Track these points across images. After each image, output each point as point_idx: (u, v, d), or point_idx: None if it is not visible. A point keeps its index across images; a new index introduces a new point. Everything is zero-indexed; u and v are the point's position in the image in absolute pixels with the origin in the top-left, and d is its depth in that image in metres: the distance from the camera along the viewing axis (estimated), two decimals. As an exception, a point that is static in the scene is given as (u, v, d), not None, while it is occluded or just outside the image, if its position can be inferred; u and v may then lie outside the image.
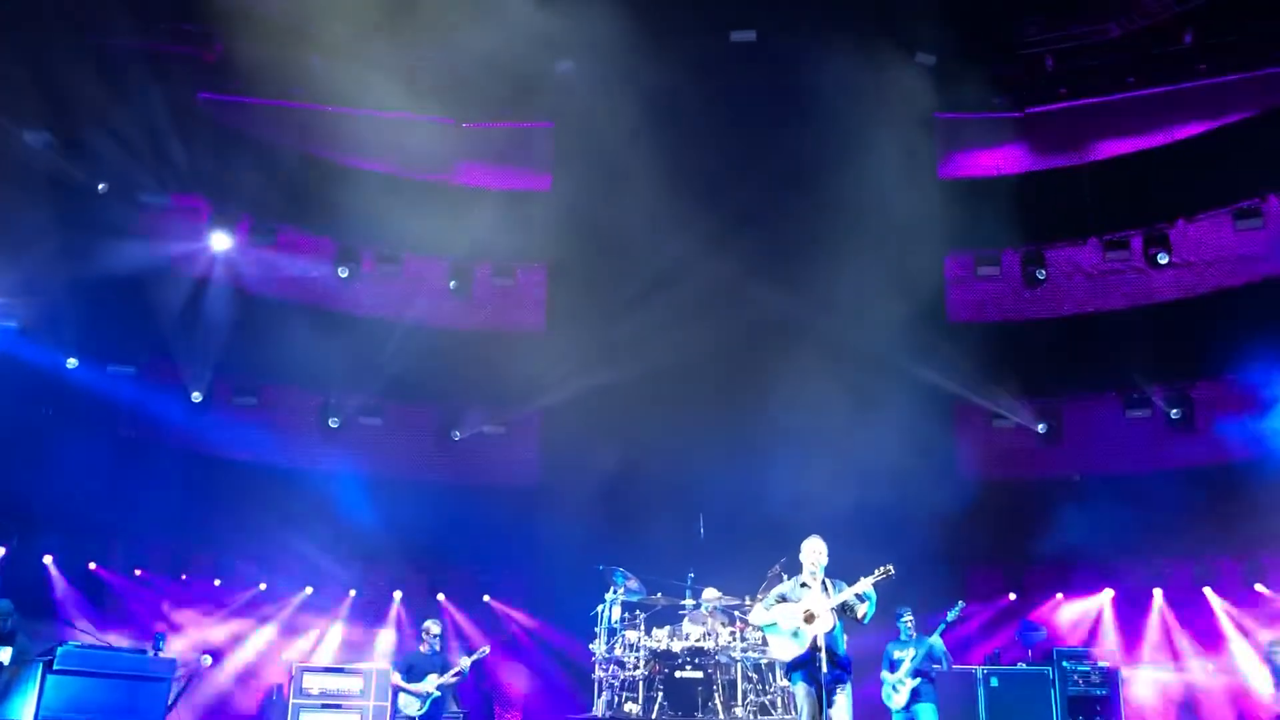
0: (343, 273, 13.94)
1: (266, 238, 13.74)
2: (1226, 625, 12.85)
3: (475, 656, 11.71)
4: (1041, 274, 14.15)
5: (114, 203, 12.51)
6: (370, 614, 13.96)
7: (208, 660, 12.76)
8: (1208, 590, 13.10)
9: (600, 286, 13.72)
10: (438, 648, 11.48)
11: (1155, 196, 13.81)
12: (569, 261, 14.37)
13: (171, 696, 10.90)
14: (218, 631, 13.18)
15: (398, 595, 14.05)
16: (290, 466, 13.74)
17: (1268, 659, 10.74)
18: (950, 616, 10.29)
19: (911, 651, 10.05)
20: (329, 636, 13.69)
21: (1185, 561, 13.25)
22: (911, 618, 10.35)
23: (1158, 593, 13.34)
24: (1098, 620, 13.46)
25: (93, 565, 12.72)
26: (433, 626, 11.62)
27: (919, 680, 9.98)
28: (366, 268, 14.21)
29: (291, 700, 12.05)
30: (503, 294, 14.74)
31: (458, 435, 14.56)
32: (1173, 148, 13.92)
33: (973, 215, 13.56)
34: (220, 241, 13.26)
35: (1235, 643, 12.66)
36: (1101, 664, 11.48)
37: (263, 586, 13.64)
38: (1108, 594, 13.49)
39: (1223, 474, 12.28)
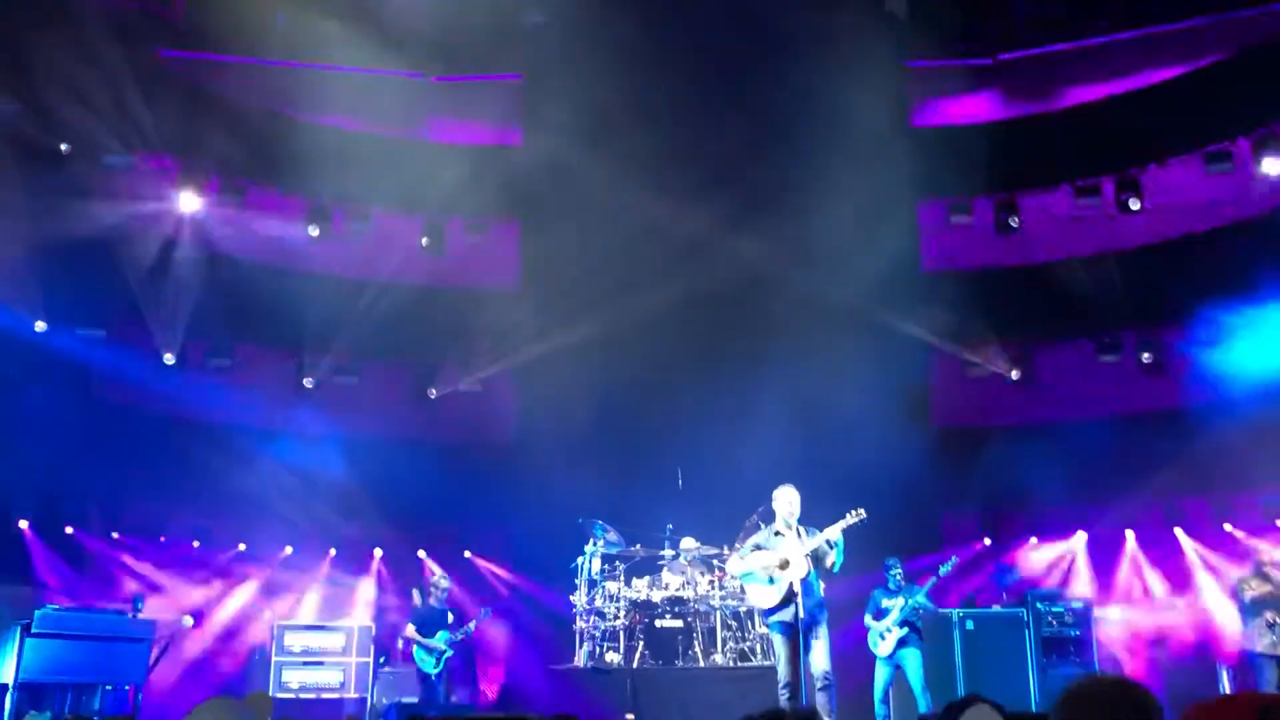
0: (313, 231, 13.80)
1: (235, 197, 13.56)
2: (1196, 565, 13.08)
3: (479, 618, 11.99)
4: (1014, 221, 14.15)
5: (78, 164, 12.33)
6: (351, 572, 14.00)
7: (189, 621, 12.82)
8: (1178, 531, 13.32)
9: (574, 241, 13.66)
10: (445, 601, 11.72)
11: (1126, 142, 13.81)
12: (542, 217, 14.30)
13: (153, 657, 10.95)
14: (198, 593, 13.20)
15: (378, 553, 14.11)
16: (266, 427, 13.73)
17: (1235, 596, 10.91)
18: (942, 571, 10.44)
19: (900, 601, 10.18)
20: (310, 595, 13.73)
21: (1156, 503, 13.45)
22: (900, 569, 10.49)
23: (1129, 534, 13.55)
24: (1071, 562, 13.67)
25: (69, 529, 12.69)
26: (441, 580, 11.90)
27: (906, 629, 10.12)
28: (337, 226, 14.07)
29: (274, 658, 12.14)
30: (475, 250, 14.65)
31: (434, 393, 14.55)
32: (1144, 92, 13.91)
33: (945, 163, 13.57)
34: (188, 202, 13.10)
35: (1204, 581, 12.90)
36: (1075, 605, 11.67)
37: (242, 547, 13.65)
38: (1080, 536, 13.69)
39: (1192, 416, 12.43)
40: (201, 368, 13.69)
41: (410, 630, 11.48)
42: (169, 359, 13.22)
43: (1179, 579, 13.15)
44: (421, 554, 14.22)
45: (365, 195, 13.92)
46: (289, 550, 13.81)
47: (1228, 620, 11.81)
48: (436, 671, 11.34)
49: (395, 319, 13.83)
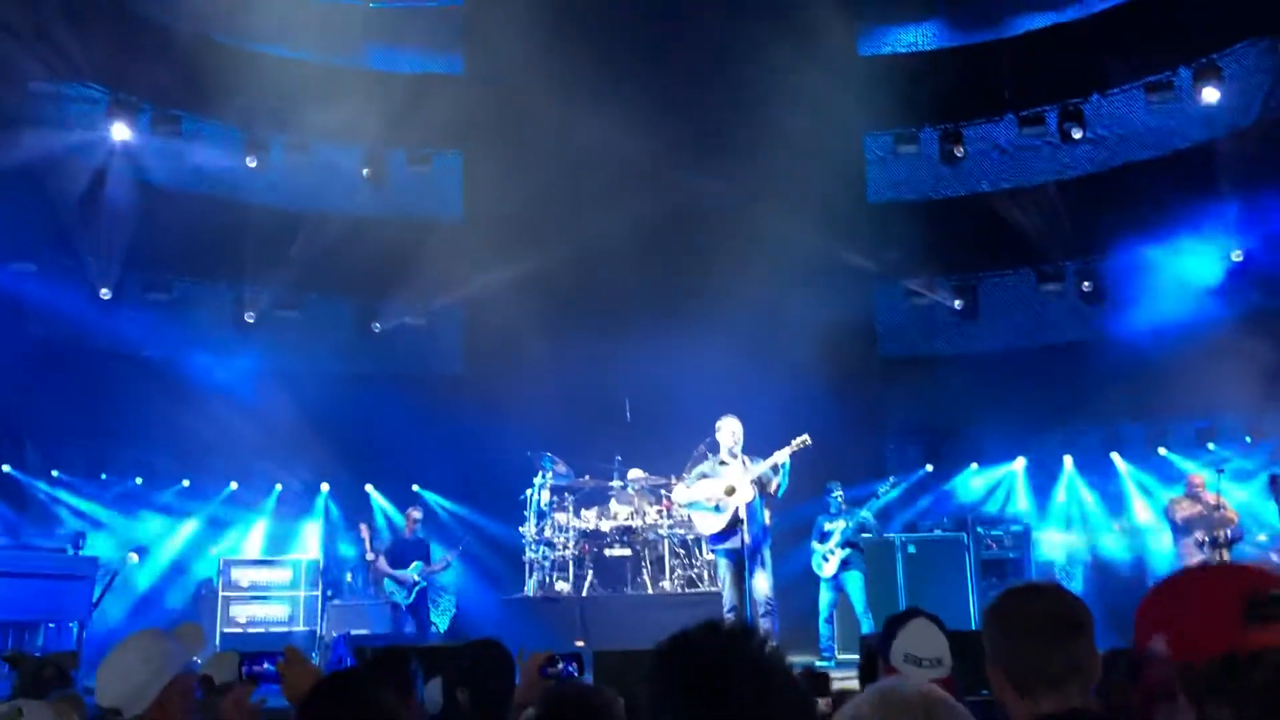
0: (251, 162, 13.49)
1: (170, 127, 13.20)
2: (1131, 488, 13.44)
3: (456, 551, 12.06)
4: (959, 152, 14.21)
5: (4, 92, 11.91)
6: (297, 507, 13.94)
7: (134, 558, 12.70)
8: (1115, 455, 13.64)
9: (518, 172, 13.46)
10: (419, 535, 11.81)
11: (1070, 72, 13.87)
12: (486, 147, 14.10)
13: (97, 594, 10.87)
14: (142, 529, 13.07)
15: (325, 487, 14.04)
16: (208, 362, 13.49)
17: (1168, 517, 11.24)
18: (882, 491, 10.61)
19: (842, 524, 10.34)
20: (256, 530, 13.66)
21: (1094, 429, 13.75)
22: (841, 492, 10.64)
23: (1068, 459, 13.85)
24: (1011, 487, 13.97)
25: (7, 468, 12.47)
26: (414, 513, 11.97)
27: (848, 550, 10.30)
28: (276, 157, 13.77)
29: (220, 593, 12.09)
30: (419, 181, 14.43)
31: (379, 327, 14.41)
32: (1088, 22, 13.94)
33: (892, 93, 13.54)
34: (120, 131, 12.72)
35: (1139, 504, 13.26)
36: (1013, 528, 11.94)
37: (186, 483, 13.51)
38: (1020, 462, 13.98)
39: (1130, 343, 12.64)
40: (139, 302, 13.41)
41: (381, 563, 11.55)
42: (105, 293, 12.93)
43: (1115, 502, 13.50)
44: (369, 488, 14.17)
45: (304, 125, 13.60)
46: (234, 486, 13.70)
47: (1160, 541, 12.18)
48: (408, 603, 11.43)
49: (338, 252, 13.60)
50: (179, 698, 2.89)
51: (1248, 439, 12.85)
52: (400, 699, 3.22)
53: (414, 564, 11.50)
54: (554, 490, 11.98)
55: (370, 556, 11.94)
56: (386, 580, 11.50)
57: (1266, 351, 11.53)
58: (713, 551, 9.18)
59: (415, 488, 14.23)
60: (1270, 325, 11.93)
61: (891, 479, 11.24)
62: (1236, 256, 12.93)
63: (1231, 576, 1.53)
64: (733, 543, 8.35)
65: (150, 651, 2.93)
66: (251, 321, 13.89)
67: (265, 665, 2.94)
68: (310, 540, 13.68)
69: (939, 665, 2.68)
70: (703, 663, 1.32)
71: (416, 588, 11.47)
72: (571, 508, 11.81)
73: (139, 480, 13.31)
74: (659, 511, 11.59)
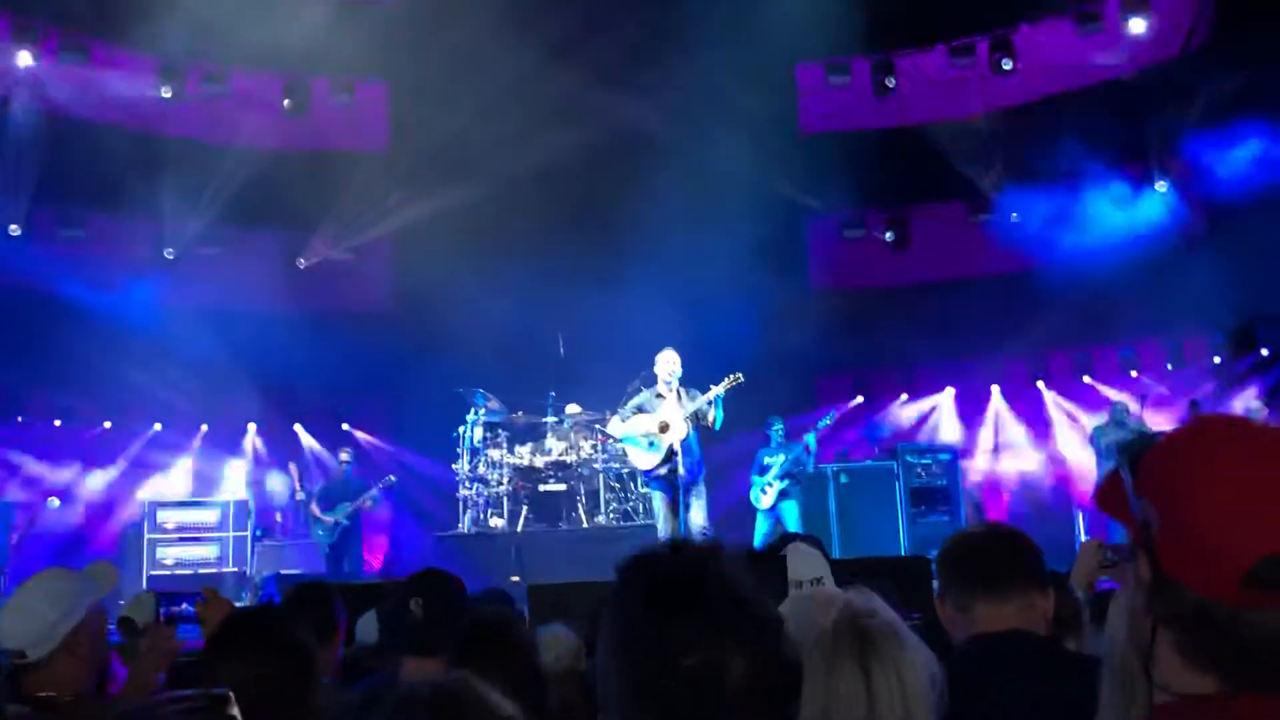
0: (165, 92, 13.00)
1: (78, 55, 12.65)
2: (1057, 416, 13.72)
3: (382, 485, 11.91)
4: (891, 82, 14.17)
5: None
6: (224, 447, 13.67)
7: (55, 502, 12.41)
8: (1040, 384, 13.90)
9: (445, 101, 13.11)
10: (350, 474, 11.81)
11: (1000, 2, 13.85)
12: (411, 75, 13.70)
13: (13, 539, 10.60)
14: (63, 473, 12.75)
15: (252, 428, 13.79)
16: (127, 300, 13.07)
17: (1092, 443, 11.51)
18: (822, 424, 10.71)
19: (781, 457, 10.44)
20: (182, 471, 13.40)
21: (1021, 359, 13.97)
22: (782, 426, 10.72)
23: (995, 389, 14.08)
24: (940, 417, 14.18)
25: (-83, 413, 12.07)
26: (343, 454, 11.94)
27: (786, 482, 10.39)
28: (191, 87, 13.28)
29: (147, 536, 11.86)
30: (343, 112, 14.02)
31: (303, 263, 14.08)
32: (1018, -48, 13.90)
33: (823, 21, 13.39)
34: (24, 59, 12.16)
35: (1064, 431, 13.55)
36: (942, 457, 12.11)
37: (108, 425, 13.18)
38: (949, 392, 14.19)
39: (1056, 274, 12.80)
40: (52, 238, 12.94)
41: (314, 509, 11.56)
42: (14, 230, 12.45)
43: (1041, 430, 13.78)
44: (297, 427, 13.95)
45: (221, 53, 13.11)
46: (158, 427, 13.39)
47: (1085, 467, 12.47)
48: (331, 542, 11.43)
49: (259, 186, 13.19)
50: (88, 639, 2.75)
51: (1169, 366, 13.15)
52: (322, 634, 3.15)
53: (340, 505, 11.45)
54: (487, 427, 11.90)
55: (301, 496, 11.83)
56: (314, 523, 11.50)
57: (1186, 281, 11.76)
58: (648, 485, 9.19)
59: (345, 426, 14.04)
60: (1191, 255, 12.15)
61: (832, 412, 11.34)
62: (1160, 187, 13.12)
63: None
64: (667, 476, 8.36)
65: (57, 591, 2.77)
66: (171, 258, 13.48)
67: (184, 606, 2.84)
68: (238, 481, 13.44)
69: (821, 583, 2.76)
70: (672, 575, 1.26)
71: (339, 528, 11.42)
72: (505, 444, 11.75)
73: (58, 422, 12.95)
74: (594, 446, 11.58)
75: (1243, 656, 1.11)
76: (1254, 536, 1.08)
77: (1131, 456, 1.22)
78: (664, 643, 1.21)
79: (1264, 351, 12.51)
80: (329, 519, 11.49)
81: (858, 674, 1.46)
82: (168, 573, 11.58)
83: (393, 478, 12.26)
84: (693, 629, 1.21)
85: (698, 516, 8.34)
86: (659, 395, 8.57)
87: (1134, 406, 11.31)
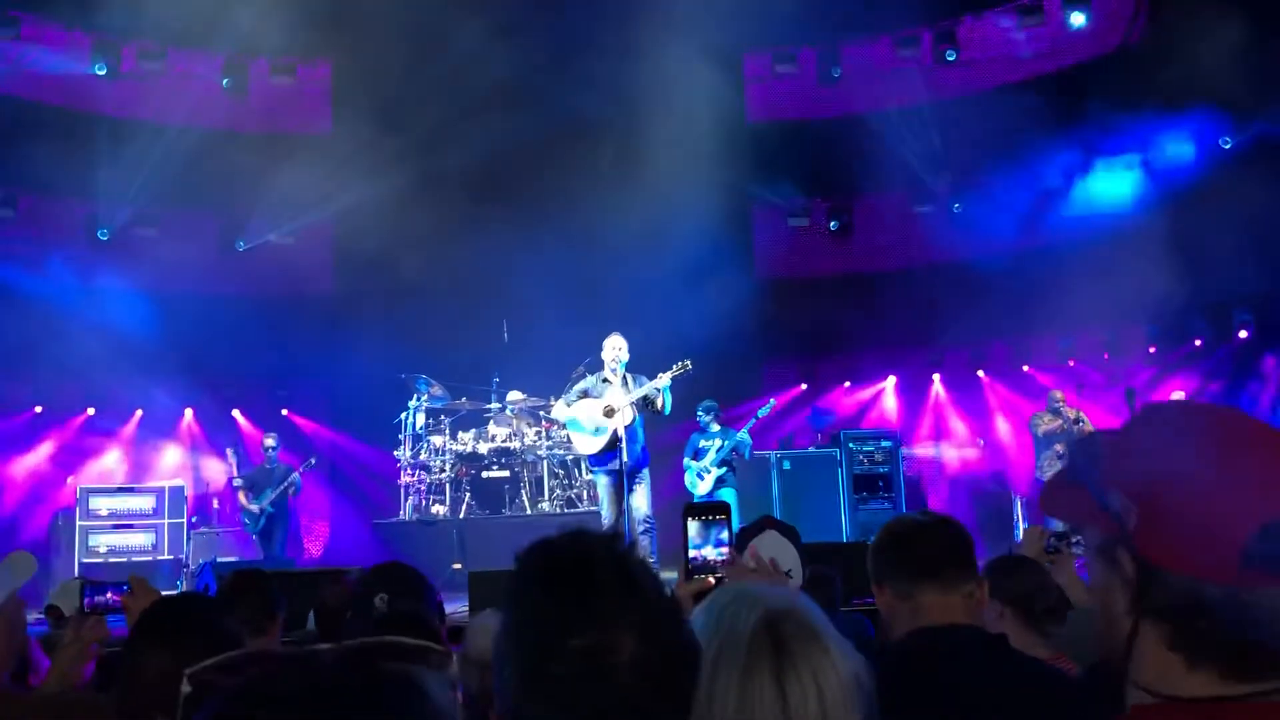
0: (100, 70, 12.69)
1: (8, 30, 12.31)
2: (995, 404, 13.91)
3: (303, 468, 11.80)
4: (836, 72, 14.24)
5: None
6: (160, 433, 13.39)
7: (-16, 489, 12.10)
8: (980, 373, 14.08)
9: (387, 83, 12.97)
10: (277, 461, 11.71)
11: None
12: (353, 57, 13.50)
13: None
14: (-10, 459, 12.44)
15: (189, 413, 13.53)
16: (60, 282, 12.74)
17: (1031, 431, 11.68)
18: (761, 413, 10.72)
19: (718, 443, 10.41)
20: (115, 457, 13.11)
21: (962, 348, 14.14)
22: (714, 408, 10.70)
23: (936, 378, 14.25)
24: (882, 405, 14.32)
25: None
26: (267, 440, 11.83)
27: (724, 469, 10.39)
28: (127, 65, 12.97)
29: (79, 523, 11.60)
30: (284, 93, 13.78)
31: (243, 245, 13.83)
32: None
33: (770, 9, 13.40)
34: (-49, 33, 11.80)
35: (1003, 419, 13.75)
36: (884, 444, 12.21)
37: (39, 410, 12.86)
38: (891, 380, 14.33)
39: (998, 263, 12.96)
40: (-21, 219, 12.59)
41: (242, 498, 11.53)
42: (-59, 209, 12.09)
43: (980, 418, 13.96)
44: (235, 413, 13.72)
45: (157, 31, 12.81)
46: (91, 412, 13.10)
47: (1023, 454, 12.66)
48: (258, 530, 11.37)
49: (198, 167, 12.93)
50: (4, 628, 2.67)
51: (1106, 356, 13.38)
52: (258, 623, 3.09)
53: (264, 492, 11.46)
54: (429, 413, 11.82)
55: (238, 482, 11.68)
56: (243, 513, 11.52)
57: (1123, 272, 11.96)
58: (592, 471, 9.18)
59: (284, 412, 13.84)
60: (1127, 247, 12.36)
61: (771, 401, 11.37)
62: (1099, 179, 13.34)
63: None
64: (612, 463, 8.33)
65: None
66: (105, 239, 13.17)
67: (108, 595, 2.76)
68: (174, 467, 13.18)
69: (790, 576, 2.74)
70: (563, 558, 1.28)
71: (265, 515, 11.41)
72: (448, 430, 11.68)
73: (-13, 407, 12.62)
74: (538, 433, 11.53)
75: (1242, 642, 1.08)
76: (1244, 509, 1.06)
77: (1091, 453, 1.20)
78: (553, 625, 1.22)
79: (1197, 341, 12.78)
80: (255, 507, 11.45)
81: (772, 683, 1.45)
82: (101, 560, 11.32)
83: (313, 459, 12.13)
84: (581, 610, 1.22)
85: (641, 503, 8.34)
86: (605, 380, 8.53)
87: (1070, 396, 11.50)
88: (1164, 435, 1.16)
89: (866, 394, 14.39)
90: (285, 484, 11.58)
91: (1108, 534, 1.16)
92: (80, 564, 11.21)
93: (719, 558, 2.24)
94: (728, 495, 10.38)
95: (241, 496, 11.58)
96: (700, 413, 10.60)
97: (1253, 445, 1.11)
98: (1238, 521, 1.06)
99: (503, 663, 1.27)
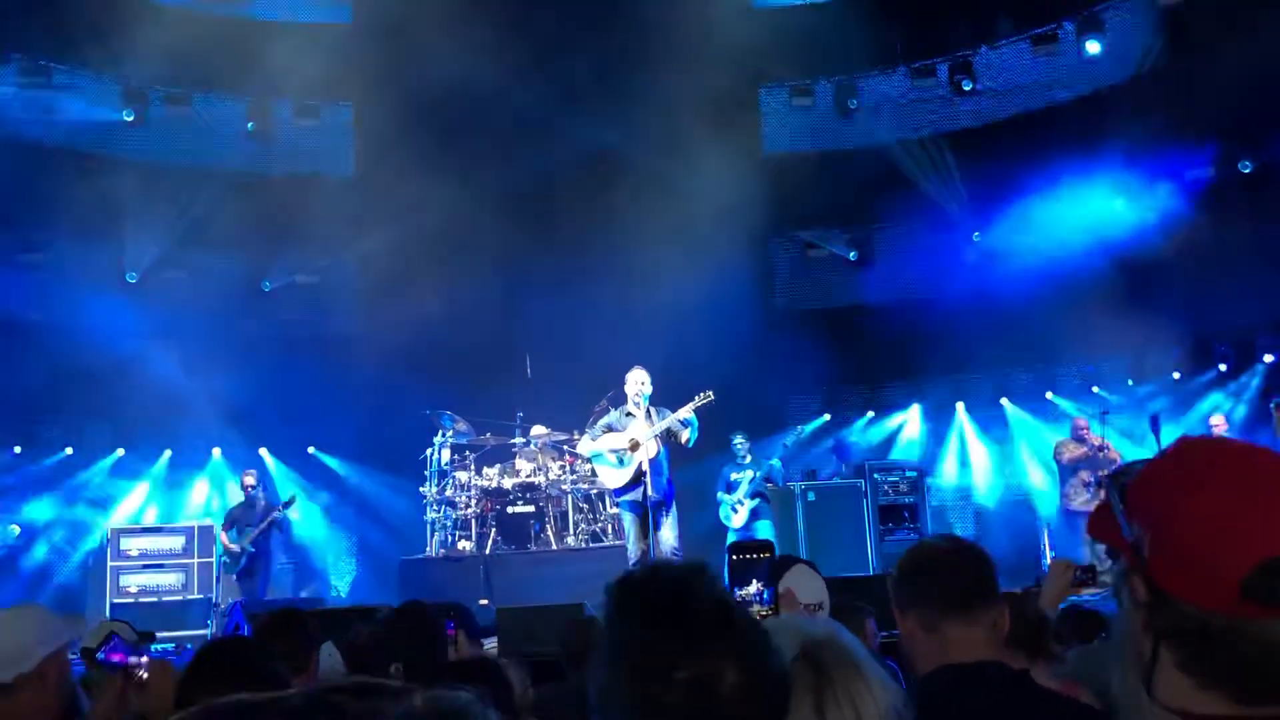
0: (128, 116, 12.93)
1: (40, 79, 12.58)
2: (1020, 432, 13.85)
3: (282, 508, 11.74)
4: (854, 103, 14.34)
5: None
6: (189, 472, 13.52)
7: (15, 530, 12.22)
8: (1005, 401, 14.03)
9: (410, 124, 13.13)
10: (259, 499, 11.56)
11: (960, 24, 14.06)
12: (376, 98, 13.70)
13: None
14: (24, 500, 12.55)
15: (216, 452, 13.65)
16: (89, 324, 12.90)
17: (1056, 459, 11.64)
18: (789, 441, 10.74)
19: (749, 474, 10.42)
20: (146, 497, 13.23)
21: (985, 376, 14.11)
22: (745, 441, 10.72)
23: (960, 406, 14.20)
24: (906, 434, 14.28)
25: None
26: (247, 478, 11.67)
27: (757, 500, 10.39)
28: (156, 111, 13.21)
29: (110, 564, 11.69)
30: (308, 135, 13.99)
31: (269, 286, 14.00)
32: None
33: (787, 46, 13.55)
34: (-16, 83, 12.06)
35: (1027, 447, 13.69)
36: (909, 474, 12.18)
37: (69, 451, 13.01)
38: (915, 409, 14.29)
39: (1020, 291, 12.95)
40: (12, 264, 12.78)
41: (223, 538, 11.44)
42: (-28, 255, 12.31)
43: (1005, 447, 13.91)
44: (263, 451, 13.82)
45: (185, 77, 13.06)
46: (120, 452, 13.23)
47: (1048, 482, 12.60)
48: (238, 569, 11.31)
49: (224, 209, 13.14)
50: (58, 669, 2.78)
51: (1130, 382, 13.33)
52: (296, 662, 3.14)
53: (246, 530, 11.41)
54: (454, 448, 11.86)
55: (218, 521, 11.71)
56: (218, 548, 11.42)
57: (1145, 298, 11.95)
58: (617, 504, 9.20)
59: (310, 449, 13.94)
60: (1149, 273, 12.35)
61: (800, 428, 11.39)
62: (1119, 205, 13.33)
63: None
64: (636, 495, 8.36)
65: (36, 618, 2.85)
66: (134, 282, 13.37)
67: (114, 659, 2.85)
68: (203, 506, 13.29)
69: (820, 608, 2.78)
70: (660, 592, 1.33)
71: (245, 555, 11.34)
72: (473, 466, 11.71)
73: (18, 449, 12.76)
74: (562, 467, 11.55)
75: (1245, 669, 1.12)
76: (1246, 544, 1.10)
77: (1120, 482, 1.25)
78: (658, 658, 1.27)
79: (1221, 366, 12.71)
80: (236, 546, 11.39)
81: (812, 712, 1.49)
82: (132, 600, 11.39)
83: (293, 497, 12.13)
84: (684, 643, 1.27)
85: (668, 536, 8.36)
86: (628, 414, 8.59)
87: (1094, 422, 11.46)
88: (1181, 468, 1.21)
89: (890, 423, 14.36)
90: (266, 523, 11.49)
91: (1129, 560, 1.22)
92: (111, 604, 11.28)
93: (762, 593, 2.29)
94: (764, 528, 10.39)
95: (222, 536, 11.46)
96: (733, 445, 10.62)
97: (1261, 482, 1.15)
98: (1238, 555, 1.10)
99: (609, 693, 1.32)
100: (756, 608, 2.16)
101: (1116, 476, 1.28)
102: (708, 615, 1.29)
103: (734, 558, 2.14)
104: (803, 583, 2.77)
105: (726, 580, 2.20)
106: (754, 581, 2.07)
